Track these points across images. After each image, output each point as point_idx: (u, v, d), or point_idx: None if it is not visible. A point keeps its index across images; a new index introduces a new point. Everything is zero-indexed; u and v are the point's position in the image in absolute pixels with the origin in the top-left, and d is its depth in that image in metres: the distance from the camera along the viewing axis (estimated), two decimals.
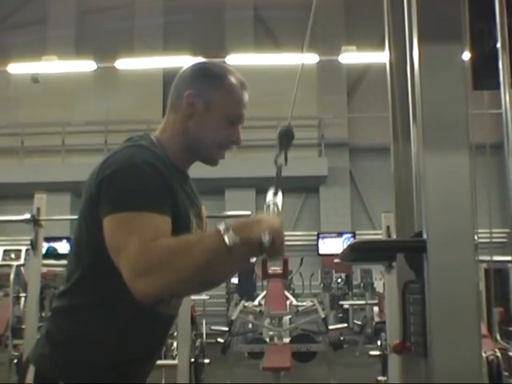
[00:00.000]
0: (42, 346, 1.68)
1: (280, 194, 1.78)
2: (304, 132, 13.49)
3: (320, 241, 12.66)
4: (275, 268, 7.82)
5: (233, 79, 1.76)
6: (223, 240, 1.47)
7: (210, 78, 1.75)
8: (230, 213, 8.42)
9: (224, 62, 1.89)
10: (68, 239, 12.23)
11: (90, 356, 1.62)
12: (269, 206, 1.74)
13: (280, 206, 1.75)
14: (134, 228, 1.50)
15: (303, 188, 13.55)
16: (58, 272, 9.24)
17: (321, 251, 12.58)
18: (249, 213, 5.52)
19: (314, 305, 6.79)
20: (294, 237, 12.86)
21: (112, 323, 1.63)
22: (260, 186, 13.15)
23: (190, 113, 1.73)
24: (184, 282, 1.50)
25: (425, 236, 1.49)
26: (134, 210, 1.53)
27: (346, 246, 1.68)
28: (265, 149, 13.36)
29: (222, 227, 1.50)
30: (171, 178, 1.64)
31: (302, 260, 9.67)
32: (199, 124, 1.73)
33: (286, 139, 1.93)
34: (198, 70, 1.78)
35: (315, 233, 12.99)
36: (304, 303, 7.44)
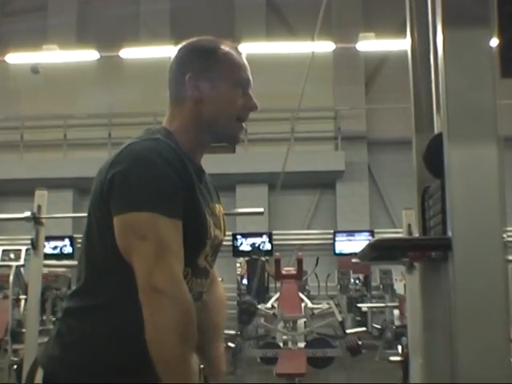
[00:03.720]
0: (51, 348, 1.69)
1: None
2: (319, 124, 13.50)
3: (336, 240, 12.65)
4: (289, 268, 7.83)
5: (226, 47, 1.78)
6: None
7: (204, 54, 1.76)
8: (241, 210, 8.43)
9: None
10: (70, 238, 12.30)
11: (104, 358, 1.63)
12: None
13: None
14: (156, 230, 1.53)
15: (318, 184, 13.53)
16: (59, 273, 9.30)
17: (337, 251, 12.57)
18: (261, 210, 5.53)
19: (330, 307, 6.79)
20: (308, 236, 12.88)
21: (126, 324, 1.63)
22: (273, 182, 13.14)
23: (197, 97, 1.73)
24: (157, 344, 1.52)
25: (449, 234, 1.48)
26: (147, 210, 1.54)
27: (364, 244, 1.67)
28: (277, 142, 13.36)
29: None
30: (188, 174, 1.65)
31: (317, 260, 9.67)
32: (211, 104, 1.74)
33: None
34: (188, 51, 1.78)
35: (331, 231, 12.98)
36: (320, 306, 7.45)
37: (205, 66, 1.74)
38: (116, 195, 1.57)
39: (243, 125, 1.80)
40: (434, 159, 1.58)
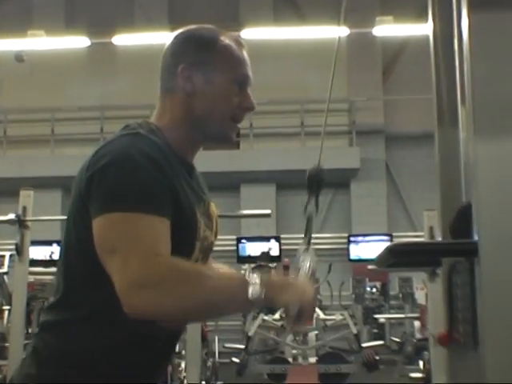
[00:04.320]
0: (27, 366, 1.69)
1: (312, 250, 1.80)
2: (332, 117, 13.45)
3: (351, 244, 12.62)
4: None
5: (227, 39, 1.77)
6: (246, 289, 1.51)
7: (200, 44, 1.76)
8: (246, 212, 8.43)
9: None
10: (59, 243, 12.30)
11: (82, 376, 1.63)
12: (300, 266, 1.77)
13: (313, 265, 1.78)
14: (130, 232, 1.52)
15: (331, 183, 13.50)
16: (47, 281, 9.31)
17: (352, 256, 12.54)
18: (268, 211, 5.52)
19: (344, 318, 6.78)
20: (320, 240, 12.84)
21: (107, 339, 1.64)
22: (281, 181, 13.15)
23: (189, 90, 1.74)
24: (183, 312, 1.54)
25: (476, 237, 1.48)
26: (129, 210, 1.54)
27: (382, 249, 1.67)
28: (286, 137, 13.38)
29: (250, 276, 1.53)
30: (173, 171, 1.65)
31: (330, 266, 9.64)
32: (204, 99, 1.74)
33: (316, 183, 1.93)
34: (184, 39, 1.79)
35: (345, 235, 12.95)
36: (333, 317, 7.43)
37: (201, 57, 1.74)
38: (95, 195, 1.57)
39: (237, 126, 1.80)
40: (462, 230, 1.56)
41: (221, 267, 1.95)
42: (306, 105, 13.14)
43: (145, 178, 1.57)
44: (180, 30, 1.81)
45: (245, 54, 1.79)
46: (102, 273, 1.55)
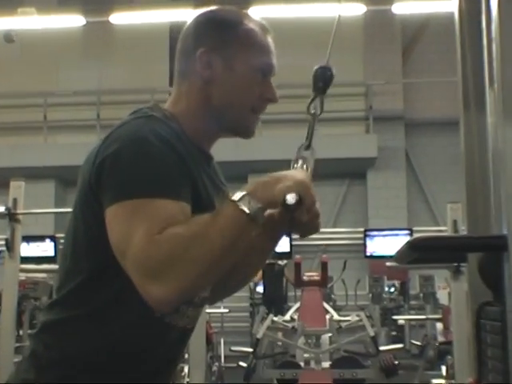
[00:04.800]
0: (25, 371, 1.68)
1: (313, 150, 1.76)
2: (347, 102, 13.45)
3: (368, 240, 12.61)
4: (311, 273, 7.83)
5: (250, 23, 1.76)
6: (240, 209, 1.48)
7: (222, 27, 1.75)
8: None
9: None
10: (52, 238, 12.35)
11: (87, 381, 1.62)
12: (296, 161, 1.73)
13: (311, 164, 1.74)
14: (141, 219, 1.49)
15: (346, 173, 13.51)
16: (39, 279, 9.34)
17: (368, 253, 12.52)
18: None
19: (360, 320, 6.77)
20: (334, 235, 12.86)
21: (114, 340, 1.63)
22: None
23: (208, 76, 1.72)
24: (206, 274, 1.50)
25: (505, 231, 1.47)
26: (144, 196, 1.51)
27: (402, 244, 1.66)
28: (298, 124, 13.31)
29: (235, 194, 1.51)
30: (190, 158, 1.64)
31: (345, 263, 9.64)
32: (223, 87, 1.73)
33: (322, 81, 1.91)
34: (205, 20, 1.77)
35: (361, 229, 12.93)
36: (348, 318, 7.42)
37: (222, 41, 1.73)
38: (107, 182, 1.56)
39: (258, 117, 1.79)
40: (492, 274, 1.54)
41: None
42: None
43: (161, 162, 1.55)
44: (201, 11, 1.80)
45: (270, 40, 1.78)
46: (112, 267, 1.54)
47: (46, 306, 1.76)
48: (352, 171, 13.47)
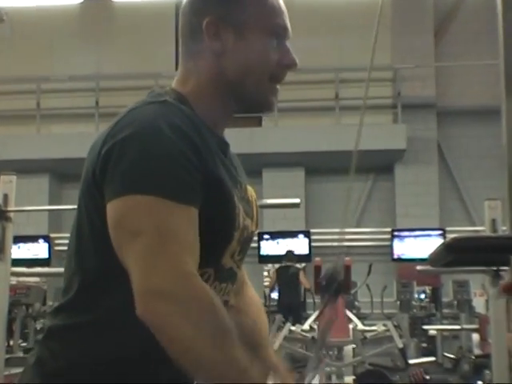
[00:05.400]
0: (29, 379, 1.70)
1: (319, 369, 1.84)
2: (373, 88, 13.42)
3: (395, 241, 12.61)
4: None
5: None
6: None
7: None
8: (269, 201, 8.41)
9: None
10: (46, 238, 12.40)
11: None
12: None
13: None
14: (156, 220, 1.50)
15: (372, 167, 13.48)
16: (32, 284, 9.37)
17: (396, 255, 12.53)
18: (296, 201, 5.52)
19: (387, 330, 6.78)
20: (358, 235, 12.84)
21: (126, 347, 1.64)
22: (311, 165, 13.14)
23: (218, 49, 1.72)
24: (191, 351, 1.50)
25: None
26: (148, 193, 1.51)
27: (433, 247, 1.65)
28: (318, 112, 13.35)
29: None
30: (208, 148, 1.64)
31: (370, 267, 9.66)
32: (236, 58, 1.72)
33: (333, 286, 1.95)
34: None
35: (388, 229, 12.95)
36: (374, 328, 7.43)
37: (229, 7, 1.73)
38: (110, 175, 1.55)
39: (277, 87, 1.78)
40: None
41: (254, 304, 1.99)
42: (341, 73, 13.11)
43: (174, 157, 1.55)
44: None
45: (280, 1, 1.77)
46: (120, 267, 1.54)
47: (52, 310, 1.77)
48: (378, 165, 13.44)
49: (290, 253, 11.65)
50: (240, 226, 1.70)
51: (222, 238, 1.66)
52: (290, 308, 10.69)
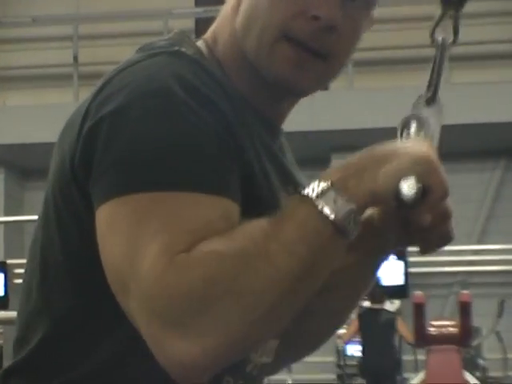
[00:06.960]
0: None
1: (440, 105, 1.71)
2: (497, 27, 13.40)
3: None
4: (443, 322, 7.89)
5: None
6: (320, 211, 1.44)
7: None
8: None
9: None
10: (1, 267, 12.54)
11: None
12: (408, 125, 1.65)
13: (437, 130, 1.68)
14: (156, 227, 1.45)
15: (499, 150, 13.44)
16: None
17: None
18: None
19: None
20: (481, 255, 12.82)
21: None
22: None
23: None
24: (265, 320, 1.45)
25: None
26: (162, 187, 1.49)
27: None
28: (412, 67, 13.35)
29: (311, 185, 1.47)
30: (243, 126, 1.63)
31: (501, 305, 9.65)
32: (243, 6, 1.72)
33: None
34: None
35: None
36: None
37: None
38: (102, 160, 1.53)
39: (299, 51, 1.68)
40: None
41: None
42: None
43: (193, 131, 1.53)
44: None
45: None
46: (108, 302, 1.52)
47: (0, 374, 1.75)
48: (510, 147, 13.40)
49: (376, 287, 11.53)
50: None
51: None
52: (378, 371, 10.69)
